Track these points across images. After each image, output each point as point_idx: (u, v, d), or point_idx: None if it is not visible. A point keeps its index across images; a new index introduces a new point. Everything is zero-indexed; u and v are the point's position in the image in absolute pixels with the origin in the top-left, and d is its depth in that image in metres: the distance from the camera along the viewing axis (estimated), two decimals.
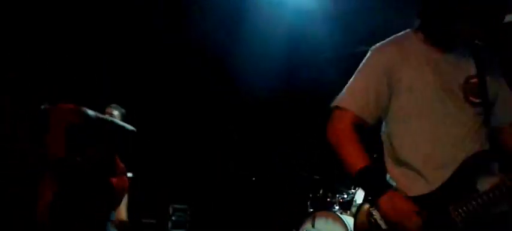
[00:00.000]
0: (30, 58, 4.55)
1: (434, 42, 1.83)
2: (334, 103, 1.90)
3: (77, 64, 4.87)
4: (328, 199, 4.73)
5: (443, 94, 1.79)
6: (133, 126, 5.09)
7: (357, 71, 1.93)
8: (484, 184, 1.73)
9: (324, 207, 4.66)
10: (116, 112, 3.62)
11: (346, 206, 4.63)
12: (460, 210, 1.70)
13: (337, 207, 4.62)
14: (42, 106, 3.01)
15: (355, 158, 1.79)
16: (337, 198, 4.68)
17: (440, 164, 1.77)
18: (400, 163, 1.84)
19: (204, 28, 5.18)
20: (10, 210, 4.01)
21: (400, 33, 1.93)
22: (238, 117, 6.09)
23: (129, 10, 4.88)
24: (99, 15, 4.84)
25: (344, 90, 1.93)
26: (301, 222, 4.49)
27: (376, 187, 1.77)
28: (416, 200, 1.74)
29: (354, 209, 4.53)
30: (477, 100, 1.78)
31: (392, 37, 1.92)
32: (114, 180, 3.05)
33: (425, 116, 1.80)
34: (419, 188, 1.77)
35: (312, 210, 4.65)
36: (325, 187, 4.83)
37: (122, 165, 3.31)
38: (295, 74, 6.00)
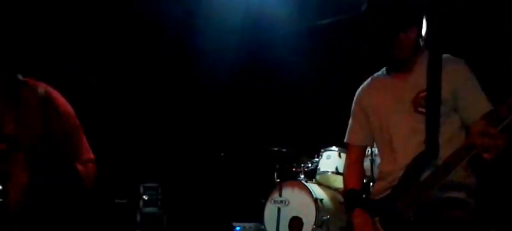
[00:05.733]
0: None
1: (391, 71, 2.27)
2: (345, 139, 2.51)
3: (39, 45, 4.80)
4: (294, 169, 4.96)
5: (398, 112, 2.18)
6: (102, 107, 5.08)
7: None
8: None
9: (290, 177, 4.86)
10: None
11: (310, 174, 4.86)
12: (404, 203, 2.05)
13: (302, 176, 4.83)
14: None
15: (347, 182, 2.40)
16: (302, 168, 4.89)
17: (394, 169, 2.17)
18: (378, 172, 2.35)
19: (161, 8, 5.19)
20: None
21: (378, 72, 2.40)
22: (205, 95, 6.16)
23: None
24: None
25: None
26: (269, 193, 4.67)
27: (348, 206, 2.35)
28: (376, 202, 2.20)
29: (318, 177, 4.74)
30: (425, 110, 2.10)
31: (371, 76, 2.41)
32: (79, 166, 2.82)
33: (386, 133, 2.23)
34: (379, 190, 2.23)
35: (278, 180, 4.83)
36: (290, 158, 5.03)
37: (89, 154, 3.22)
38: (255, 50, 6.10)
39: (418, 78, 2.15)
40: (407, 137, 2.14)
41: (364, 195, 2.37)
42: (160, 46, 5.79)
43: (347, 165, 2.49)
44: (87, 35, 5.17)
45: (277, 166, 5.02)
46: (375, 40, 2.15)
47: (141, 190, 5.57)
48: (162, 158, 5.82)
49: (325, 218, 4.29)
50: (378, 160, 3.95)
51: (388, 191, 2.16)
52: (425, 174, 2.04)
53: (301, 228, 4.36)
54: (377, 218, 2.15)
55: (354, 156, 2.46)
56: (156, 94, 5.93)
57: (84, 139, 3.05)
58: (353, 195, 2.34)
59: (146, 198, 5.57)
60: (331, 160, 4.65)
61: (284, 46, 5.82)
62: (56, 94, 2.83)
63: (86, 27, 5.12)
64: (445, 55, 2.17)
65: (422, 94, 2.11)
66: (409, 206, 2.04)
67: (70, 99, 2.87)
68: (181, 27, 5.64)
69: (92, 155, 2.99)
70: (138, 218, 5.43)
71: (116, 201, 5.34)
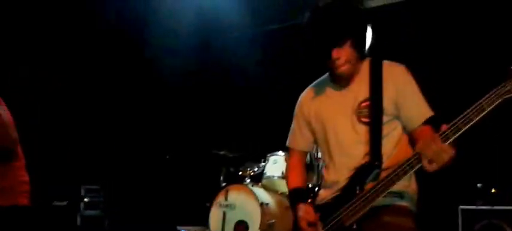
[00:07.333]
0: None
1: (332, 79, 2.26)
2: (287, 142, 2.53)
3: None
4: (240, 173, 4.95)
5: (341, 123, 2.21)
6: (42, 105, 4.89)
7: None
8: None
9: (236, 181, 4.85)
10: None
11: (257, 178, 4.87)
12: (348, 211, 2.08)
13: (248, 180, 4.83)
14: None
15: (290, 182, 2.46)
16: (248, 172, 4.89)
17: (338, 179, 2.19)
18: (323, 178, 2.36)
19: (115, 7, 5.12)
20: None
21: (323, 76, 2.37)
22: (151, 96, 6.08)
23: None
24: None
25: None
26: (214, 196, 4.63)
27: (292, 202, 2.38)
28: (320, 207, 2.21)
29: (264, 181, 4.76)
30: (367, 120, 2.13)
31: (315, 81, 2.40)
32: None
33: (328, 142, 2.25)
34: (324, 197, 2.25)
35: (224, 184, 4.82)
36: (237, 162, 5.03)
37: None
38: (206, 53, 6.09)
39: (360, 86, 2.17)
40: (351, 149, 2.16)
41: (310, 200, 2.32)
42: (109, 47, 5.67)
43: (288, 168, 2.52)
44: (39, 34, 5.02)
45: (223, 170, 5.01)
46: (313, 56, 2.17)
47: (82, 192, 5.42)
48: (105, 160, 5.69)
49: (270, 222, 4.30)
50: (321, 164, 4.04)
51: (333, 198, 2.17)
52: (369, 184, 2.06)
53: None
54: (320, 222, 2.17)
55: (295, 159, 2.49)
56: (101, 95, 5.78)
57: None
58: (297, 192, 2.38)
59: (87, 200, 5.43)
60: (277, 165, 4.68)
61: (232, 50, 5.84)
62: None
63: (37, 26, 4.98)
64: (385, 62, 2.19)
65: (364, 104, 2.14)
66: (353, 215, 2.06)
67: (10, 97, 2.76)
68: (132, 29, 5.55)
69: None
70: (79, 221, 5.29)
71: (55, 203, 5.16)
